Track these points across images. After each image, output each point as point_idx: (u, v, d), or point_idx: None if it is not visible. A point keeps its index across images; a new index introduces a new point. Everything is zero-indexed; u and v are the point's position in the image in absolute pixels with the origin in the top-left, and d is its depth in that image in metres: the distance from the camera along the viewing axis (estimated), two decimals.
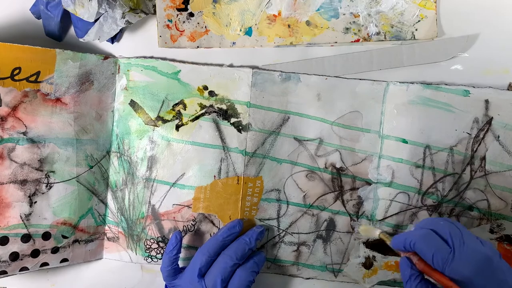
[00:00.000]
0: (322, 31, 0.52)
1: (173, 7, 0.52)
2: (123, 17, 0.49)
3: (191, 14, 0.52)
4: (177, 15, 0.52)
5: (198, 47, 0.53)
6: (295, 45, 0.52)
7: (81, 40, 0.51)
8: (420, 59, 0.51)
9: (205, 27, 0.52)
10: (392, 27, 0.51)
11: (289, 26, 0.52)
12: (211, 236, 0.54)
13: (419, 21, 0.51)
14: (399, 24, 0.51)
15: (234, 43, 0.52)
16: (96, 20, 0.49)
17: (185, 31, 0.52)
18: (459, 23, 0.51)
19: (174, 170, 0.53)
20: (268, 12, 0.52)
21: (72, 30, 0.53)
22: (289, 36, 0.52)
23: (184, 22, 0.52)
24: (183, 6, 0.52)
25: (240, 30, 0.52)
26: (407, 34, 0.51)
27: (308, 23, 0.51)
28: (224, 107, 0.53)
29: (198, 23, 0.52)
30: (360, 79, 0.52)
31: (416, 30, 0.51)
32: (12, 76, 0.48)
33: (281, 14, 0.52)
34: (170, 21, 0.52)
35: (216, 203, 0.53)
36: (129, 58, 0.54)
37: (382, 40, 0.51)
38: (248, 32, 0.52)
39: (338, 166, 0.53)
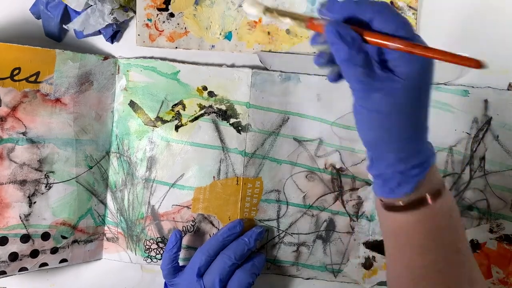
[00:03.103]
0: (302, 41, 0.51)
1: (154, 6, 0.52)
2: (111, 13, 0.49)
3: (172, 15, 0.52)
4: (157, 14, 0.52)
5: (176, 47, 0.53)
6: (274, 52, 0.52)
7: (65, 27, 0.51)
8: None
9: (185, 28, 0.52)
10: None
11: (269, 33, 0.52)
12: (210, 236, 0.54)
13: None
14: None
15: (213, 46, 0.52)
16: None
17: (164, 31, 0.52)
18: (459, 23, 0.51)
19: (173, 171, 0.53)
20: (249, 18, 0.52)
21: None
22: (269, 43, 0.52)
23: (164, 22, 0.52)
24: (164, 6, 0.52)
25: (220, 33, 0.52)
26: None
27: (288, 31, 0.52)
28: (223, 107, 0.53)
29: (178, 24, 0.52)
30: None
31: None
32: (11, 76, 0.48)
33: (261, 21, 0.52)
34: (150, 20, 0.52)
35: (216, 204, 0.53)
36: (129, 58, 0.54)
37: None
38: (228, 36, 0.52)
39: (338, 166, 0.53)
